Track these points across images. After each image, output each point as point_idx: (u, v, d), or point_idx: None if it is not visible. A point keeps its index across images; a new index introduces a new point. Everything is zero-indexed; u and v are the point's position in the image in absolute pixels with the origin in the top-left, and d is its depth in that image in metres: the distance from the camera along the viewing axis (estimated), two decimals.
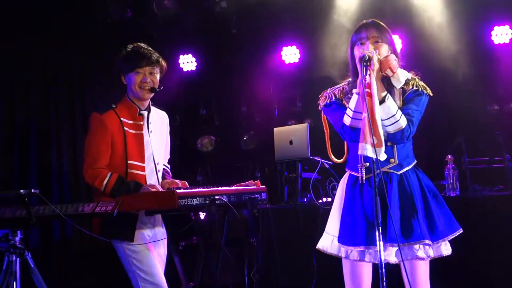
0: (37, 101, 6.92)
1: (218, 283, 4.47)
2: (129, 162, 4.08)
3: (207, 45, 8.34)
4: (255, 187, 4.30)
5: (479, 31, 7.24)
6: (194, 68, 8.44)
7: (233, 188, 4.17)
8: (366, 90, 3.32)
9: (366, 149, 3.29)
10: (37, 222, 3.58)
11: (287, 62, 8.08)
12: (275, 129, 6.51)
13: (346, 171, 3.79)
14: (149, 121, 4.24)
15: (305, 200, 6.06)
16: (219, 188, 3.99)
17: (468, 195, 5.69)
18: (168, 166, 4.52)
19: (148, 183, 4.11)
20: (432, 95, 3.68)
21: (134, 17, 7.69)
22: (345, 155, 3.83)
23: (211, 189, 3.92)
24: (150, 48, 4.24)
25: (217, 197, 3.84)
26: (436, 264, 3.74)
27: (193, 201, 3.70)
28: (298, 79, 8.07)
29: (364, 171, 3.54)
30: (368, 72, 3.35)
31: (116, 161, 4.06)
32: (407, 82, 3.65)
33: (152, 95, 4.21)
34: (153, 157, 4.21)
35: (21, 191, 3.48)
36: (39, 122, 6.87)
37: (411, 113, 3.57)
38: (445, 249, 3.57)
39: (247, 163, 8.22)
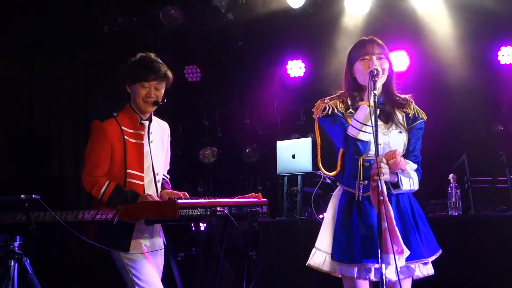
0: (40, 107, 6.92)
1: None
2: (128, 171, 4.06)
3: (212, 57, 8.35)
4: (256, 199, 4.28)
5: (486, 51, 7.23)
6: (198, 79, 8.44)
7: (234, 200, 4.14)
8: (380, 198, 3.30)
9: (392, 259, 3.28)
10: (37, 228, 3.56)
11: (292, 75, 8.08)
12: (278, 142, 6.51)
13: (337, 186, 3.77)
14: (150, 131, 4.23)
15: (306, 214, 6.05)
16: (220, 200, 3.96)
17: (470, 215, 5.67)
18: (168, 176, 4.51)
19: (146, 193, 4.09)
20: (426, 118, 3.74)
21: (140, 26, 7.70)
22: (337, 169, 3.79)
23: (212, 200, 3.90)
24: (159, 60, 4.19)
25: (218, 209, 3.81)
26: (435, 283, 3.72)
27: (194, 211, 3.67)
28: (303, 93, 8.07)
29: (361, 189, 3.53)
30: (378, 178, 3.32)
31: (115, 170, 4.04)
32: (407, 106, 3.68)
33: (154, 108, 4.19)
34: (152, 167, 4.19)
35: (22, 196, 3.47)
36: (41, 129, 6.87)
37: (417, 154, 3.66)
38: (430, 268, 3.59)
39: (249, 176, 8.20)
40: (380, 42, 3.67)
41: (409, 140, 3.65)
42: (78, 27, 7.13)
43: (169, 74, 4.20)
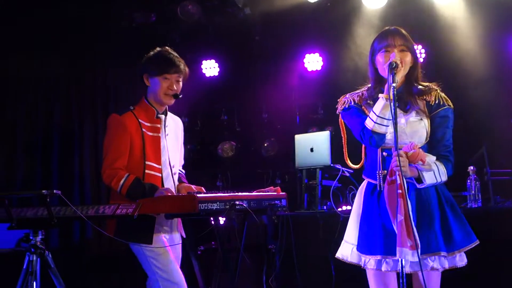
0: (60, 103, 6.97)
1: None
2: (146, 163, 4.11)
3: (230, 51, 8.36)
4: (275, 193, 4.30)
5: (504, 42, 7.16)
6: (216, 74, 8.45)
7: (253, 193, 4.16)
8: (399, 191, 3.30)
9: (405, 253, 3.26)
10: (58, 222, 3.60)
11: (309, 69, 8.06)
12: (296, 136, 6.50)
13: (363, 179, 3.78)
14: (166, 125, 4.27)
15: (325, 208, 6.05)
16: (240, 194, 3.98)
17: (489, 207, 5.63)
18: (183, 171, 4.54)
19: (164, 185, 4.12)
20: (453, 107, 3.67)
21: (158, 21, 7.73)
22: (362, 161, 3.81)
23: (232, 194, 3.92)
24: (177, 55, 4.27)
25: (237, 202, 3.84)
26: (454, 276, 3.71)
27: (213, 205, 3.70)
28: (320, 87, 8.05)
29: (382, 179, 3.52)
30: (397, 165, 3.31)
31: (134, 162, 4.09)
32: (428, 92, 3.64)
33: (173, 101, 4.24)
34: (169, 160, 4.23)
35: (43, 191, 3.50)
36: (62, 124, 6.92)
37: (447, 144, 3.60)
38: (460, 260, 3.55)
39: (268, 170, 8.20)
40: (404, 32, 3.63)
41: (435, 128, 3.59)
42: (95, 23, 7.16)
43: (186, 69, 4.27)
